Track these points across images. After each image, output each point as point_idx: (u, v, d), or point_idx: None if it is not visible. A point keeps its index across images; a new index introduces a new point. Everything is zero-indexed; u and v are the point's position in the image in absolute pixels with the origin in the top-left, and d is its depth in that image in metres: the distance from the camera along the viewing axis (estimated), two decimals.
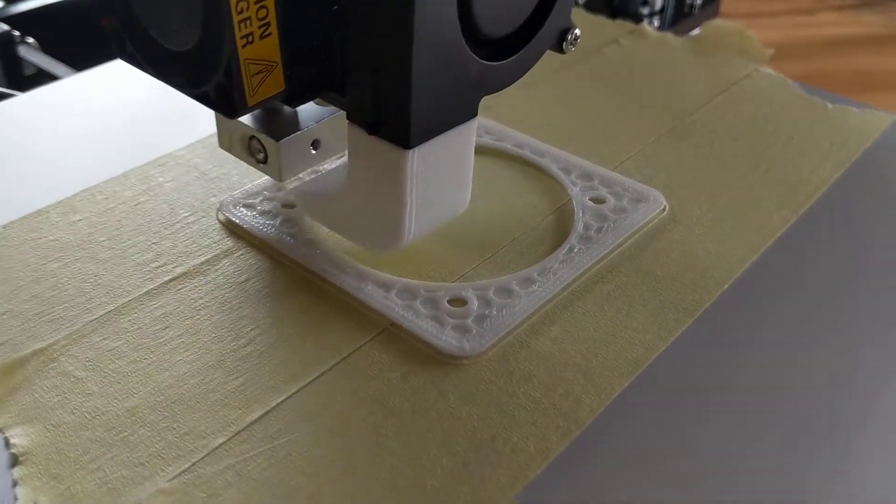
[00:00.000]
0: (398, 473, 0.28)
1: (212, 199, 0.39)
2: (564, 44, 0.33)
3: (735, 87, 0.50)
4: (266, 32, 0.28)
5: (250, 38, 0.27)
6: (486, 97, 0.32)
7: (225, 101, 0.29)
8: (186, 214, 0.38)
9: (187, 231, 0.37)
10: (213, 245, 0.37)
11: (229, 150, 0.36)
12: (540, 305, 0.34)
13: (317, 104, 0.35)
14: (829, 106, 0.49)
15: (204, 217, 0.38)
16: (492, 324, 0.33)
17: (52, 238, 0.37)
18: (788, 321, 0.35)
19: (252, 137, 0.34)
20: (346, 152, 0.33)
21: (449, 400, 0.30)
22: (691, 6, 0.68)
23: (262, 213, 0.38)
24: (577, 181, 0.41)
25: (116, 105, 0.47)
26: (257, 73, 0.28)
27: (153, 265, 0.35)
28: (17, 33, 0.59)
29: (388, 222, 0.33)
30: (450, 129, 0.31)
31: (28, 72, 0.61)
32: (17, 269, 0.35)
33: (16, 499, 0.27)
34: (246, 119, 0.34)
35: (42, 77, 0.61)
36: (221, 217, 0.38)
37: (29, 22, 0.63)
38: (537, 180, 0.41)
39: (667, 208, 0.40)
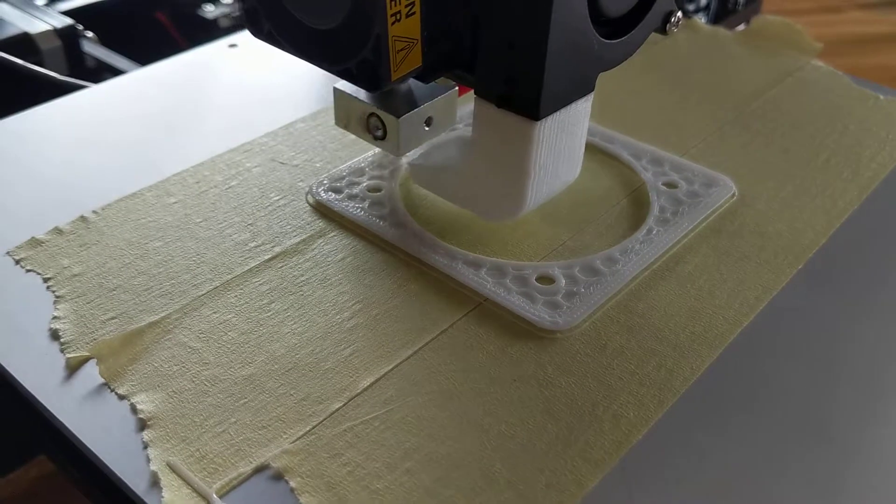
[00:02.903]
0: (508, 437, 0.29)
1: (299, 183, 0.41)
2: (668, 25, 0.35)
3: (790, 78, 0.52)
4: (411, 11, 0.30)
5: (398, 17, 0.29)
6: None
7: (369, 76, 0.30)
8: (277, 197, 0.40)
9: (280, 213, 0.39)
10: (307, 226, 0.38)
11: (346, 128, 0.37)
12: (625, 283, 0.36)
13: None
14: (881, 97, 0.50)
15: (294, 200, 0.40)
16: (581, 300, 0.34)
17: (150, 219, 0.38)
18: (863, 297, 0.36)
19: (371, 115, 0.35)
20: (454, 127, 0.36)
21: (547, 371, 0.32)
22: (735, 3, 0.69)
23: (350, 197, 0.39)
24: (648, 167, 0.42)
25: (191, 96, 0.49)
26: (401, 50, 0.30)
27: (252, 244, 0.37)
28: (80, 27, 0.60)
29: (511, 192, 0.35)
30: (571, 102, 0.34)
31: (89, 65, 0.62)
32: (121, 248, 0.37)
33: (148, 460, 0.28)
34: (362, 97, 0.36)
35: (102, 70, 0.62)
36: (311, 200, 0.40)
37: (87, 15, 0.65)
38: (609, 166, 0.43)
39: (736, 193, 0.41)
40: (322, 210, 0.39)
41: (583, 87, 0.34)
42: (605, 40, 0.33)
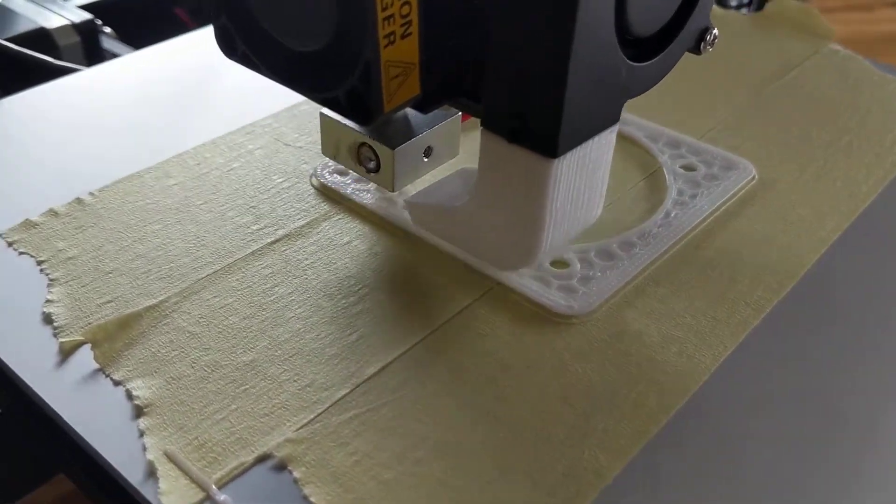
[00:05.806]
0: (523, 424, 0.28)
1: (303, 165, 0.39)
2: (703, 44, 0.31)
3: (808, 61, 0.50)
4: (407, 31, 0.25)
5: (392, 38, 0.25)
6: None
7: (358, 107, 0.26)
8: (280, 180, 0.38)
9: (283, 195, 0.37)
10: (311, 209, 0.37)
11: (334, 158, 0.34)
12: (643, 267, 0.34)
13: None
14: None
15: (298, 182, 0.38)
16: (597, 284, 0.33)
17: (148, 201, 0.37)
18: (890, 282, 0.35)
19: (363, 145, 0.32)
20: (456, 159, 0.33)
21: (563, 357, 0.30)
22: None
23: (356, 180, 0.38)
24: (665, 149, 0.41)
25: (192, 77, 0.47)
26: (396, 77, 0.26)
27: (254, 227, 0.36)
28: (99, 22, 0.58)
29: (523, 237, 0.30)
30: (594, 135, 0.29)
31: (108, 60, 0.60)
32: (119, 230, 0.35)
33: (144, 448, 0.27)
34: (352, 124, 0.32)
35: None
36: (315, 182, 0.38)
37: (105, 10, 0.63)
38: (625, 149, 0.42)
39: (756, 176, 0.40)
40: (327, 193, 0.38)
41: (607, 118, 0.29)
42: (634, 63, 0.28)
